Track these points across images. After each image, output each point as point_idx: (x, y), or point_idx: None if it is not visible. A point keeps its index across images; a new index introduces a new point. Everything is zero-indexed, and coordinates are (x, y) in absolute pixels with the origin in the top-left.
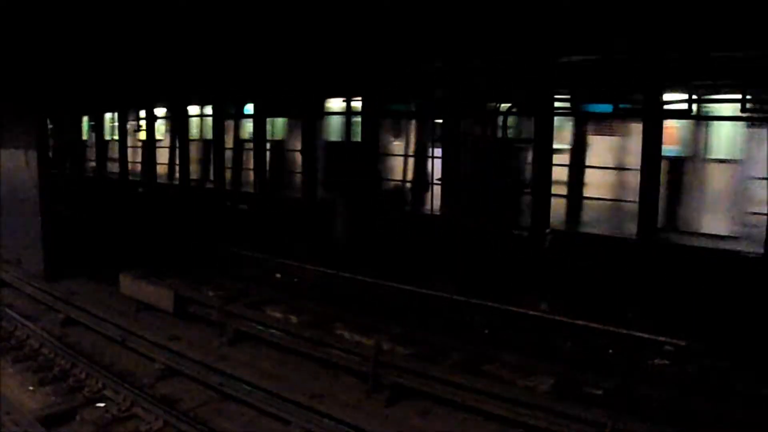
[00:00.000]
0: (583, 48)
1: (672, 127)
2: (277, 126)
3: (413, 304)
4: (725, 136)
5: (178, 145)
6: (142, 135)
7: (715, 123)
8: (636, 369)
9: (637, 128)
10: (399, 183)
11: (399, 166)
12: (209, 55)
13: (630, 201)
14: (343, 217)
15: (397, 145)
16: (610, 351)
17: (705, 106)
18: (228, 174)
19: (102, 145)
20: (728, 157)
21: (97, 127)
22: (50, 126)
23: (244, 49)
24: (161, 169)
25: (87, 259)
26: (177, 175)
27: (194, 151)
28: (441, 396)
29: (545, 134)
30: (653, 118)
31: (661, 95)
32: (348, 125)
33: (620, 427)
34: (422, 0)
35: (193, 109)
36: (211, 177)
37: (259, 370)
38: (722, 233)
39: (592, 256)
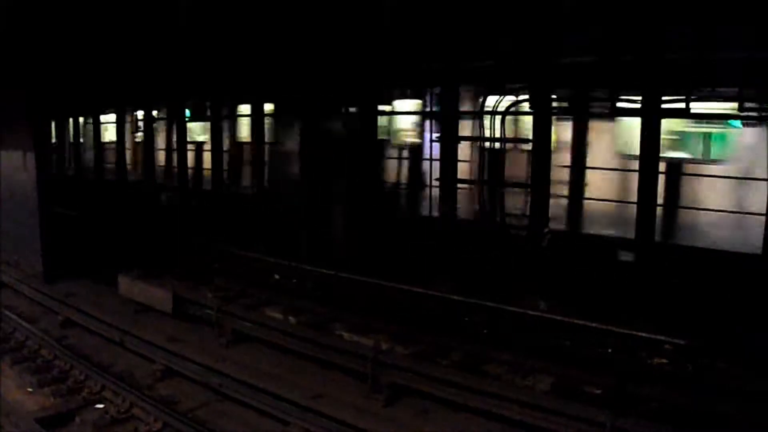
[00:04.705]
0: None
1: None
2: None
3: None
4: None
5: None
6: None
7: None
8: (636, 367)
9: None
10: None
11: None
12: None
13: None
14: None
15: None
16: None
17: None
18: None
19: (99, 146)
20: None
21: (95, 128)
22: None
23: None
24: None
25: (86, 260)
26: None
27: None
28: (440, 396)
29: (543, 134)
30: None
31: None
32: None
33: (620, 425)
34: None
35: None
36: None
37: (258, 370)
38: None
39: None
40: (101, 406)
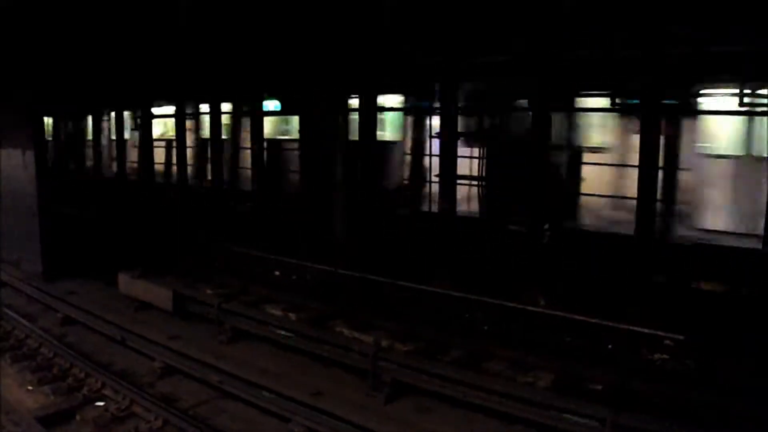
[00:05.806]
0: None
1: None
2: None
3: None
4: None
5: None
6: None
7: None
8: (636, 363)
9: None
10: None
11: None
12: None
13: None
14: None
15: None
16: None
17: None
18: None
19: (98, 144)
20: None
21: (95, 126)
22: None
23: None
24: None
25: (86, 258)
26: None
27: None
28: (441, 393)
29: (542, 131)
30: None
31: None
32: None
33: (620, 421)
34: None
35: None
36: None
37: (259, 368)
38: None
39: None
40: (101, 403)
